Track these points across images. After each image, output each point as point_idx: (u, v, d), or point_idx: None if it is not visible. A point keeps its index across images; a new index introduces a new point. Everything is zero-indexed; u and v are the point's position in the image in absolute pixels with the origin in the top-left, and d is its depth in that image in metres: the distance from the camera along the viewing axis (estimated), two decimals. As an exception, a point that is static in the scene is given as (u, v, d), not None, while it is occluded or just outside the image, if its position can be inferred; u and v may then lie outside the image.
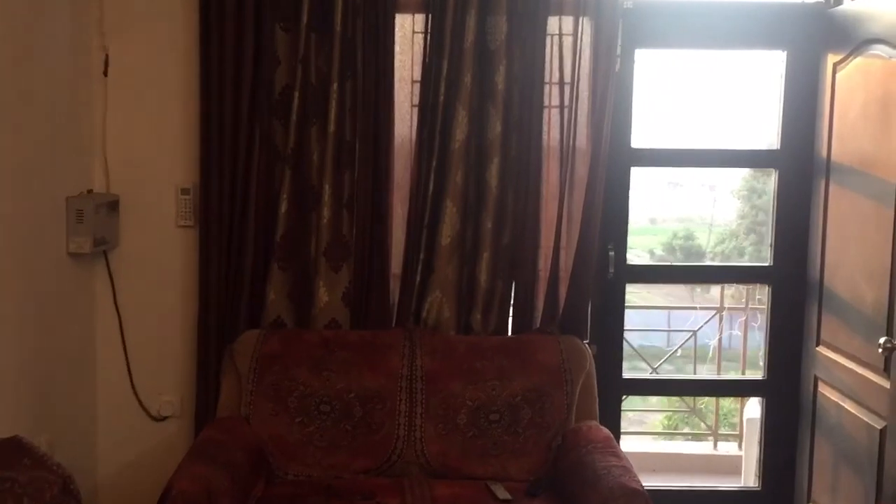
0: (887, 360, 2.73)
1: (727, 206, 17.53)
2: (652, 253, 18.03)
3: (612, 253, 3.39)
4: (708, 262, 3.75)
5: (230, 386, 3.09)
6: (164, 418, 3.32)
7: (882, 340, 2.69)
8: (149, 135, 3.24)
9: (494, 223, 3.19)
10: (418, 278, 3.23)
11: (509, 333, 3.29)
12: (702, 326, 4.34)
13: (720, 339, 4.37)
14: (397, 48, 3.17)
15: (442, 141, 3.15)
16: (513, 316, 3.30)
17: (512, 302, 3.28)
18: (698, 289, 17.43)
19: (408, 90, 3.20)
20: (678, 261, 17.81)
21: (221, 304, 3.17)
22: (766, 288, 3.52)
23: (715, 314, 4.35)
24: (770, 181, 3.47)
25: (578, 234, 3.21)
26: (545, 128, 3.20)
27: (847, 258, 3.07)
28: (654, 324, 6.08)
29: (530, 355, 3.14)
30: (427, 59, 3.13)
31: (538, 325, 3.27)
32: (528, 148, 3.17)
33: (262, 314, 3.20)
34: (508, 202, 3.20)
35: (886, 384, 2.75)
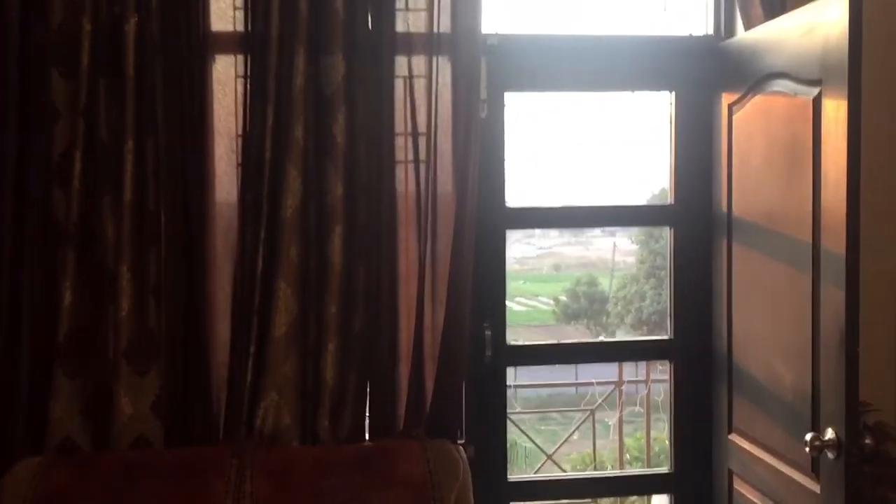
0: (815, 461, 2.25)
1: (627, 251, 17.68)
2: (557, 300, 17.97)
3: (488, 332, 2.85)
4: (602, 339, 3.30)
5: (-2, 536, 2.37)
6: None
7: (809, 437, 2.21)
8: None
9: (340, 306, 2.60)
10: (249, 378, 2.60)
11: (367, 440, 2.68)
12: (599, 403, 3.84)
13: (621, 418, 3.87)
14: (216, 95, 2.58)
15: (271, 208, 2.56)
16: (370, 418, 2.69)
17: (368, 401, 2.68)
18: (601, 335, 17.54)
19: (228, 146, 2.60)
20: (582, 307, 17.81)
21: (-12, 426, 2.46)
22: (668, 364, 3.03)
23: (613, 389, 3.86)
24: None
25: (445, 313, 2.65)
26: (398, 188, 2.65)
27: (758, 331, 2.60)
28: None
29: (390, 468, 2.53)
30: (248, 109, 2.54)
31: (401, 428, 2.68)
32: (377, 213, 2.61)
33: (45, 436, 2.50)
34: (358, 280, 2.62)
35: (816, 488, 2.27)
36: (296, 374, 2.60)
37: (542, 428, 11.64)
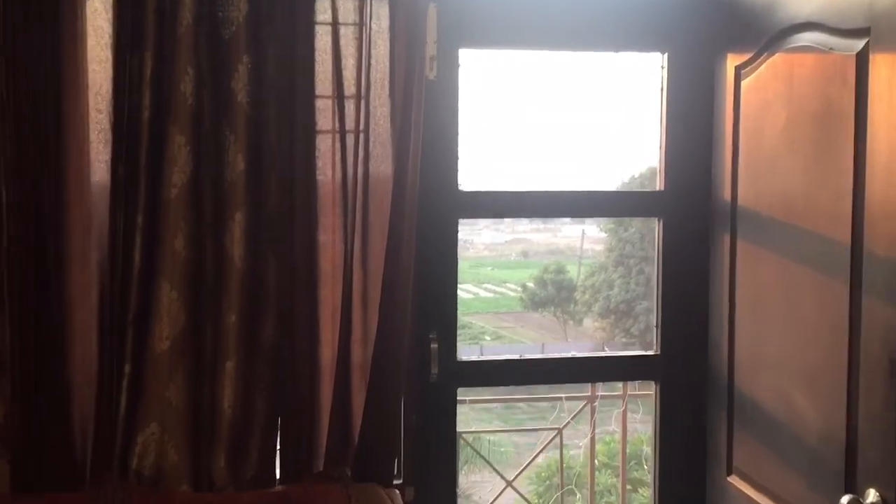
0: (852, 529, 1.72)
1: (595, 239, 17.51)
2: (525, 287, 17.69)
3: (434, 345, 2.29)
4: (573, 354, 2.83)
5: None
6: None
7: (846, 501, 1.68)
8: None
9: (242, 313, 2.03)
10: (123, 404, 2.03)
11: (277, 484, 2.12)
12: (568, 422, 3.31)
13: (593, 438, 3.33)
14: (89, 40, 1.99)
15: (150, 185, 1.98)
16: (282, 455, 2.14)
17: (279, 434, 2.12)
18: (570, 323, 17.21)
19: (95, 104, 2.00)
20: (550, 295, 17.51)
21: None
22: (653, 385, 2.49)
23: (585, 405, 3.34)
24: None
25: (378, 321, 2.10)
26: (320, 164, 2.09)
27: (770, 351, 2.08)
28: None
29: (303, 522, 1.99)
30: (118, 53, 1.95)
31: (322, 468, 2.13)
32: (291, 195, 2.05)
33: None
34: (265, 280, 2.06)
35: (848, 562, 1.74)
36: (183, 399, 2.04)
37: (510, 417, 11.21)
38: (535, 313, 17.86)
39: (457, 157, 2.34)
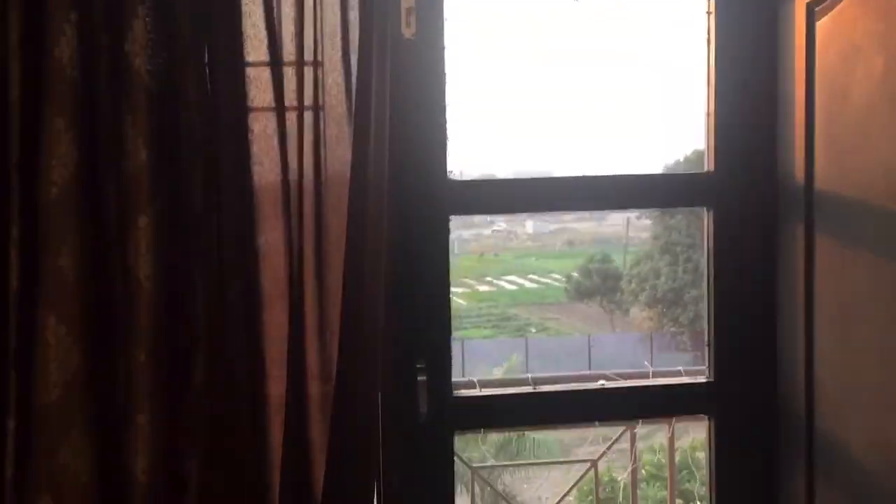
0: None
1: (641, 226, 17.16)
2: (570, 278, 17.34)
3: (422, 377, 1.79)
4: (602, 384, 2.35)
5: None
6: None
7: None
8: None
9: (155, 350, 1.56)
10: (9, 471, 1.56)
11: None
12: (604, 453, 2.79)
13: (634, 472, 2.79)
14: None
15: (25, 185, 1.50)
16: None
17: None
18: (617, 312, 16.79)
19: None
20: (595, 284, 17.08)
21: None
22: (707, 422, 1.95)
23: (624, 432, 2.80)
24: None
25: (338, 350, 1.61)
26: (255, 150, 1.60)
27: (867, 384, 1.55)
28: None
29: None
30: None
31: (273, 543, 1.65)
32: (215, 192, 1.57)
33: None
34: (191, 305, 1.58)
35: None
36: (84, 464, 1.57)
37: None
38: (580, 304, 17.55)
39: (445, 138, 1.83)
